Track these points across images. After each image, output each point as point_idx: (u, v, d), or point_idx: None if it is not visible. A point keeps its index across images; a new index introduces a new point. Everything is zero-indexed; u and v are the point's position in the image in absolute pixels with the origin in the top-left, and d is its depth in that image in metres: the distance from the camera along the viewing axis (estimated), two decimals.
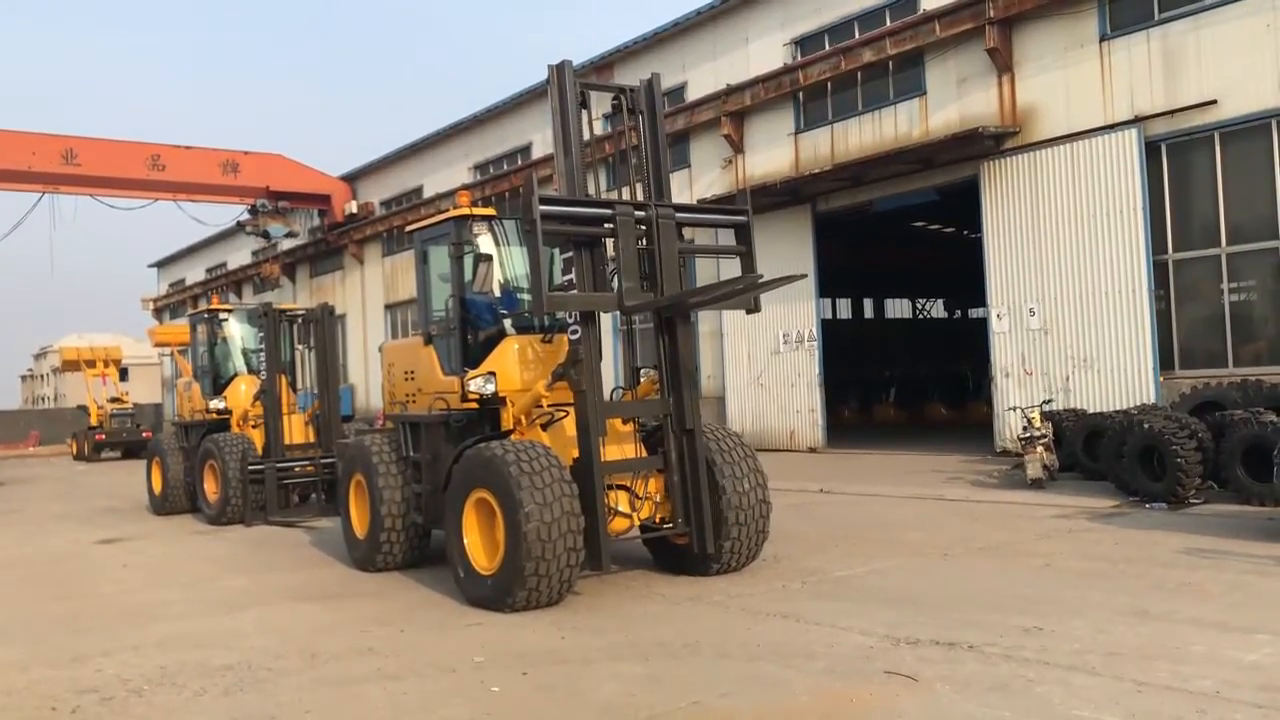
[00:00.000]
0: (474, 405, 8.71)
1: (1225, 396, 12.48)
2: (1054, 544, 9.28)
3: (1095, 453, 13.04)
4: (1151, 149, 15.45)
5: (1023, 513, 11.28)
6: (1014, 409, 15.17)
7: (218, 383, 16.33)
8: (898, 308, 42.50)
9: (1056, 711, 4.80)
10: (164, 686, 5.98)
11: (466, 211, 9.24)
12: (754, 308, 8.58)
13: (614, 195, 8.50)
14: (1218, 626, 6.13)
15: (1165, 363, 15.33)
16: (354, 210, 35.97)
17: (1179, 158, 15.39)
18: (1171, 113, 15.15)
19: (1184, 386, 13.99)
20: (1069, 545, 9.18)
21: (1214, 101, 14.71)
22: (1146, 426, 11.36)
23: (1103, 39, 16.04)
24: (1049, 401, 15.01)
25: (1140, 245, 15.39)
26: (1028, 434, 13.19)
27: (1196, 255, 15.27)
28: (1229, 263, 14.89)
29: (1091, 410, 14.86)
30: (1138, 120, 15.49)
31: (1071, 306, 16.25)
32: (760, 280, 8.16)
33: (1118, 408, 14.48)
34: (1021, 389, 16.68)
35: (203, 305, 18.91)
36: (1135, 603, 6.81)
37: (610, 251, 8.14)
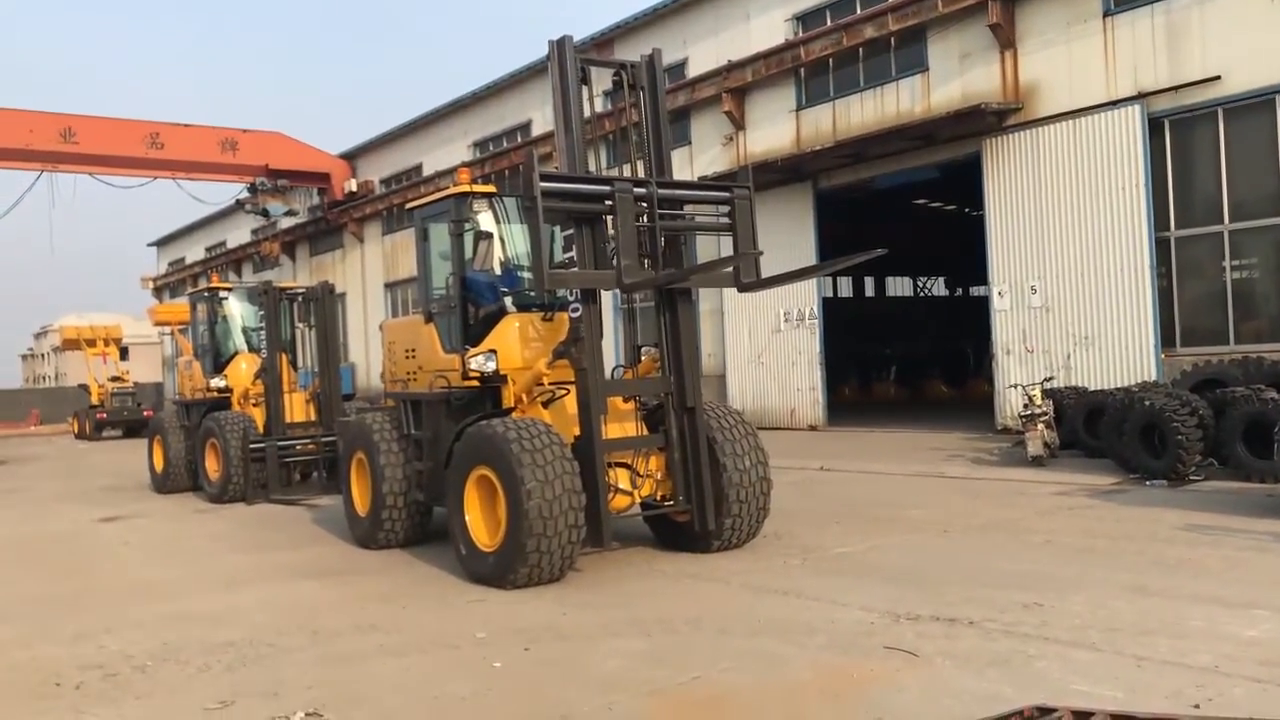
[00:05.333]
0: (475, 383, 8.70)
1: (1226, 374, 12.47)
2: (1054, 521, 9.30)
3: (1096, 430, 13.05)
4: (1154, 125, 15.37)
5: (1023, 490, 11.30)
6: (1015, 386, 15.17)
7: (218, 361, 16.34)
8: (899, 285, 42.44)
9: (1056, 686, 4.81)
10: (167, 662, 6.00)
11: (467, 189, 9.19)
12: (748, 286, 8.45)
13: (615, 172, 8.45)
14: (1217, 602, 6.14)
15: (1166, 340, 15.31)
16: (354, 188, 35.84)
17: (1182, 134, 15.32)
18: (1175, 89, 15.06)
19: (1185, 364, 13.97)
20: (1069, 522, 9.20)
21: (1218, 77, 14.61)
22: (1147, 404, 11.37)
23: (1106, 14, 15.92)
24: (1050, 379, 15.00)
25: (1142, 222, 15.33)
26: (1029, 411, 13.18)
27: (1199, 232, 15.22)
28: (1231, 240, 14.85)
29: (1092, 388, 14.84)
30: (1141, 96, 15.40)
31: (1073, 284, 16.21)
32: (761, 254, 8.13)
33: (1119, 385, 14.45)
34: (1022, 366, 16.68)
35: (203, 284, 18.86)
36: (1135, 579, 6.83)
37: (611, 229, 8.11)
